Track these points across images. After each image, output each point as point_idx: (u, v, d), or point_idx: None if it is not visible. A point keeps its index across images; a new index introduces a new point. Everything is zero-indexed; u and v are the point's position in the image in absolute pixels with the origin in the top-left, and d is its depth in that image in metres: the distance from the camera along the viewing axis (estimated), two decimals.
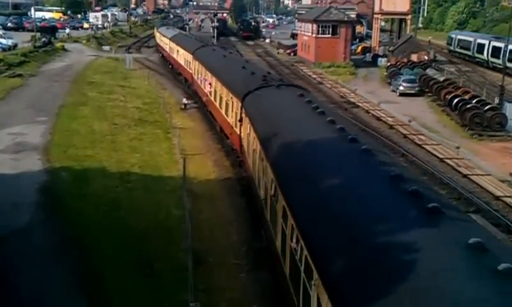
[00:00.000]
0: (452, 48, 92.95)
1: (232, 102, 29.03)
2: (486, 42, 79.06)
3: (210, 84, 38.18)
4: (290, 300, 12.90)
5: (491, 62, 76.67)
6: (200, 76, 43.53)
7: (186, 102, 47.33)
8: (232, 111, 29.08)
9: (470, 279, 8.09)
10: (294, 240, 12.72)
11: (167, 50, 71.81)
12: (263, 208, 18.45)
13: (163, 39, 78.09)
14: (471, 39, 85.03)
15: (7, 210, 22.45)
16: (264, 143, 18.65)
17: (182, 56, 56.91)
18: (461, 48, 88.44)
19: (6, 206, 22.74)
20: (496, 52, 74.24)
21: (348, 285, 9.22)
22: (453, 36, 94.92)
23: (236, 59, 47.09)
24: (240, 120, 26.11)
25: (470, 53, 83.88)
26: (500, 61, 70.68)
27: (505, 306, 7.37)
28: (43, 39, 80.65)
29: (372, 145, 16.00)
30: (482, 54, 79.03)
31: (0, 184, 25.59)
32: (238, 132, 27.09)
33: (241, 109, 25.81)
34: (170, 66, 69.02)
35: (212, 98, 37.08)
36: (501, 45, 72.26)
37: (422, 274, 8.44)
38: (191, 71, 49.57)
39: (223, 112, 32.46)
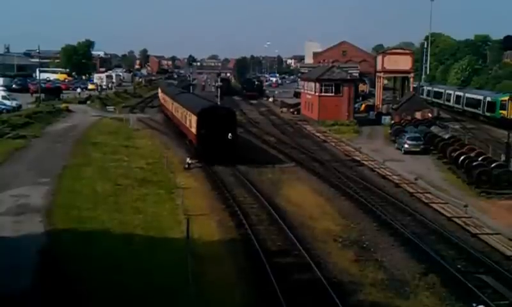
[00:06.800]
0: None
1: (158, 92, 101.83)
2: (429, 88, 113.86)
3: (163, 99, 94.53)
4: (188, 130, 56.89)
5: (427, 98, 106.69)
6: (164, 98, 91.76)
7: (190, 161, 47.14)
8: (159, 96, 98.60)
9: None
10: (184, 114, 58.32)
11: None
12: (173, 115, 69.61)
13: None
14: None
15: (7, 274, 21.97)
16: (172, 97, 72.65)
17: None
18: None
19: (6, 270, 22.28)
20: (433, 93, 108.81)
21: (192, 106, 57.03)
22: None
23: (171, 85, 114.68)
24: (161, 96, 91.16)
25: (424, 97, 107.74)
26: (430, 99, 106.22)
27: None
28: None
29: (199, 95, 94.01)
30: (423, 94, 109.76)
31: (0, 247, 25.11)
32: (160, 102, 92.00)
33: (162, 93, 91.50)
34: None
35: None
36: (434, 88, 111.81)
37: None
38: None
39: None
